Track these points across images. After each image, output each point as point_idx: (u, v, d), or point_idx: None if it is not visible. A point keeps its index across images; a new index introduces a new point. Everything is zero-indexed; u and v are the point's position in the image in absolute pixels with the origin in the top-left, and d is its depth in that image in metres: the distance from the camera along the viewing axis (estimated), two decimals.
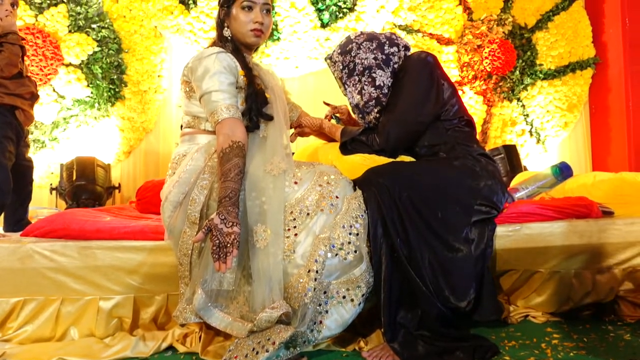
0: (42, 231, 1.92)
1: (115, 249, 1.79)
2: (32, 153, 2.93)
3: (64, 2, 3.91)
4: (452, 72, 4.35)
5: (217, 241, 1.43)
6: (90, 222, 1.91)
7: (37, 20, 3.85)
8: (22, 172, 2.54)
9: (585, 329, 1.79)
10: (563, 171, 2.36)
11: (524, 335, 1.72)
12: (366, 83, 1.92)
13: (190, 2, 4.09)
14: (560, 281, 1.88)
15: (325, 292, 1.55)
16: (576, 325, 1.82)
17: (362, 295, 1.59)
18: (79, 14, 3.93)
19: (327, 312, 1.55)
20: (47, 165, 3.92)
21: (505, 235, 1.86)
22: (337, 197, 1.63)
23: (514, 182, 2.68)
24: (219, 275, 1.52)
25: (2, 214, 2.47)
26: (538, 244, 1.87)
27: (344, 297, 1.57)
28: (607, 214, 2.07)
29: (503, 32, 4.31)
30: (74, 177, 3.59)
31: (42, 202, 3.89)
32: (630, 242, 1.89)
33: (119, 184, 3.99)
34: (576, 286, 1.87)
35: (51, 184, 3.80)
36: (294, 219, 1.58)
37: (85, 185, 3.58)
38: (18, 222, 2.52)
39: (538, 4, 4.44)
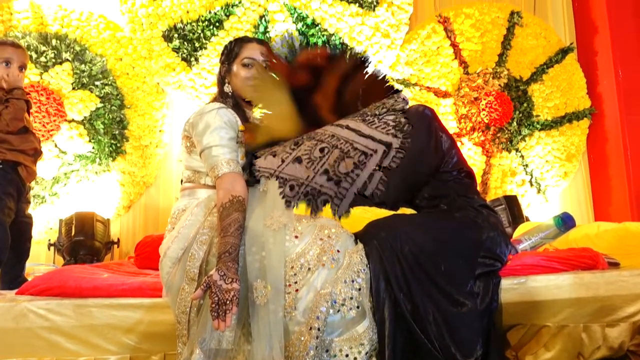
0: (37, 289, 1.88)
1: (112, 306, 1.75)
2: (31, 209, 2.90)
3: (69, 60, 4.01)
4: (450, 124, 4.40)
5: (216, 298, 1.39)
6: (87, 280, 1.88)
7: (41, 78, 3.92)
8: (21, 229, 2.51)
9: None
10: (566, 222, 2.35)
11: None
12: None
13: (192, 59, 4.19)
14: (569, 336, 1.82)
15: (327, 351, 1.50)
16: None
17: (366, 353, 1.53)
18: (83, 71, 4.01)
19: None
20: (46, 221, 3.89)
21: (511, 288, 1.82)
22: (338, 251, 1.60)
23: (516, 233, 2.66)
24: (218, 333, 1.47)
25: None
26: (545, 297, 1.83)
27: (346, 355, 1.51)
28: (613, 265, 2.04)
29: (499, 85, 4.39)
30: (73, 233, 3.55)
31: (40, 258, 3.83)
32: (638, 294, 1.85)
33: (118, 239, 3.95)
34: (586, 341, 1.81)
35: (49, 240, 3.77)
36: (295, 274, 1.54)
37: (83, 241, 3.53)
38: (15, 280, 2.47)
39: (532, 57, 4.55)
